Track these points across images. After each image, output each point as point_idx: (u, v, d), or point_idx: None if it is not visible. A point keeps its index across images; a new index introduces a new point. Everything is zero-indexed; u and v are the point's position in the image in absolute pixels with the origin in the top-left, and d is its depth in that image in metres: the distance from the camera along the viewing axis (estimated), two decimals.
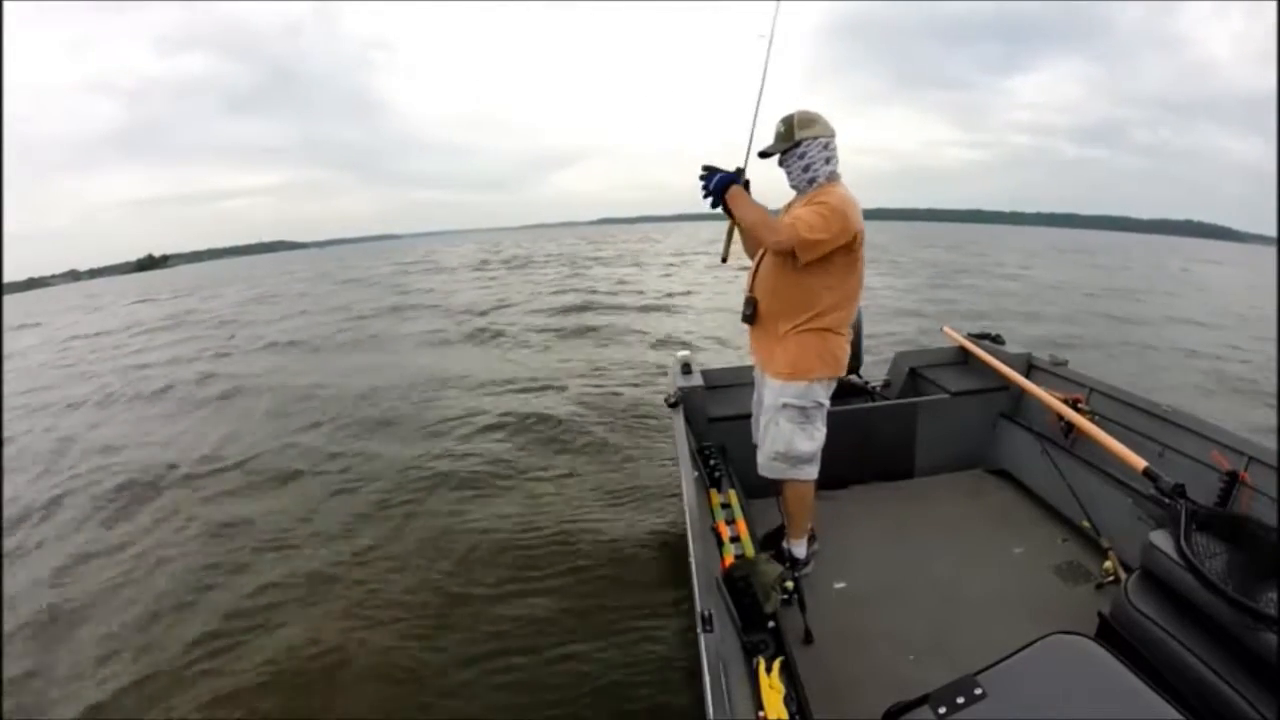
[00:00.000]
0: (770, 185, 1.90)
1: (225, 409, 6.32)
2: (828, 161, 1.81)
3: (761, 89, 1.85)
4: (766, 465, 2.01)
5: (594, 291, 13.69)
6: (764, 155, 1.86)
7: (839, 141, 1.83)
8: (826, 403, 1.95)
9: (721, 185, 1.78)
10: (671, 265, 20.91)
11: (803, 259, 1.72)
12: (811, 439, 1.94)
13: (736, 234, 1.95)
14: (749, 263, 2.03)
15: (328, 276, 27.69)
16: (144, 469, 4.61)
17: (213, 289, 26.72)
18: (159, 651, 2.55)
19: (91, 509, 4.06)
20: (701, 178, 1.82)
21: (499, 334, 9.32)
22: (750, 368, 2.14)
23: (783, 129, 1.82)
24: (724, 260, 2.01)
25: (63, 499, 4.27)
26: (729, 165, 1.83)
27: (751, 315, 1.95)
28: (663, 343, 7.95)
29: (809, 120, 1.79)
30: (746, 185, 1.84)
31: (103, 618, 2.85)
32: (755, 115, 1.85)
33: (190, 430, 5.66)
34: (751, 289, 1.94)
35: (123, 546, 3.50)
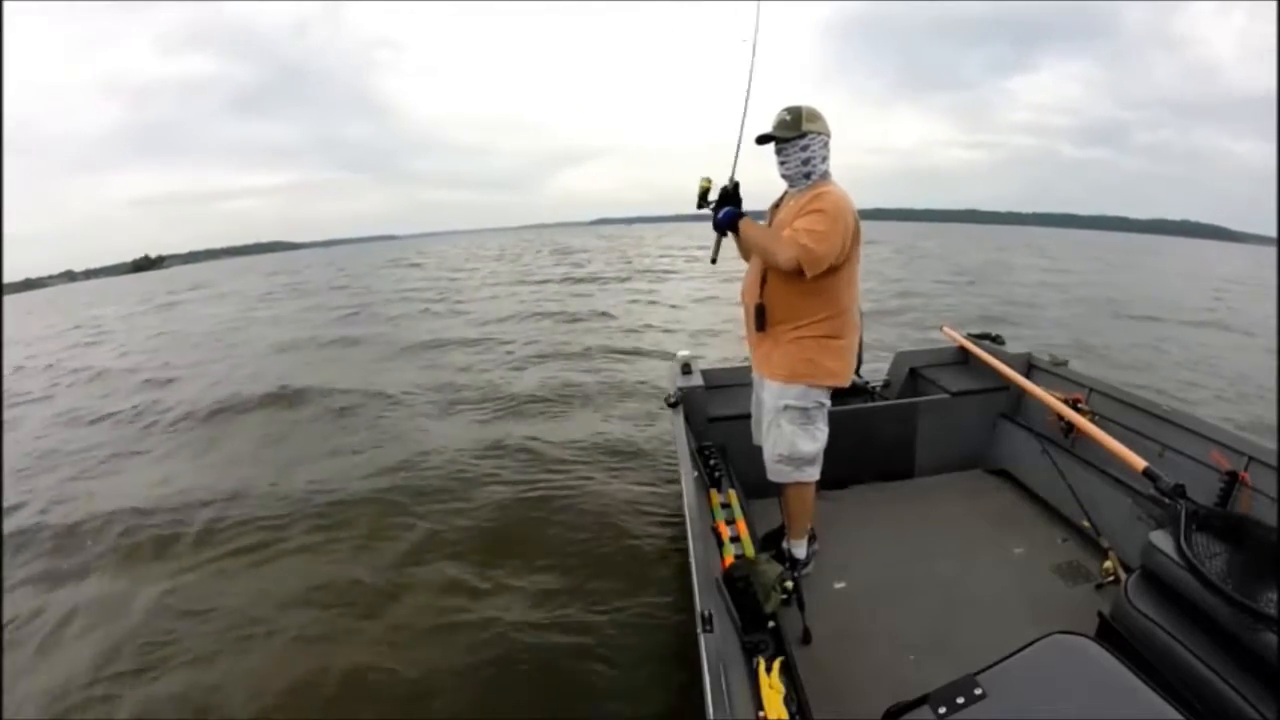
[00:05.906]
0: (759, 186, 1.97)
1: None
2: (824, 160, 1.81)
3: (748, 95, 1.85)
4: (773, 469, 2.00)
5: None
6: (762, 141, 1.84)
7: (847, 142, 1.83)
8: (827, 402, 1.94)
9: (730, 220, 1.84)
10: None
11: (810, 274, 1.70)
12: (814, 439, 1.94)
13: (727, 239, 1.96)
14: (743, 262, 2.03)
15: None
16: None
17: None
18: None
19: None
20: (711, 206, 1.86)
21: None
22: (750, 368, 2.13)
23: (788, 118, 1.80)
24: (714, 262, 2.04)
25: None
26: (715, 169, 1.85)
27: (763, 322, 1.90)
28: None
29: (816, 115, 1.79)
30: (739, 193, 1.87)
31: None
32: (743, 121, 1.85)
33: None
34: (761, 295, 1.89)
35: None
